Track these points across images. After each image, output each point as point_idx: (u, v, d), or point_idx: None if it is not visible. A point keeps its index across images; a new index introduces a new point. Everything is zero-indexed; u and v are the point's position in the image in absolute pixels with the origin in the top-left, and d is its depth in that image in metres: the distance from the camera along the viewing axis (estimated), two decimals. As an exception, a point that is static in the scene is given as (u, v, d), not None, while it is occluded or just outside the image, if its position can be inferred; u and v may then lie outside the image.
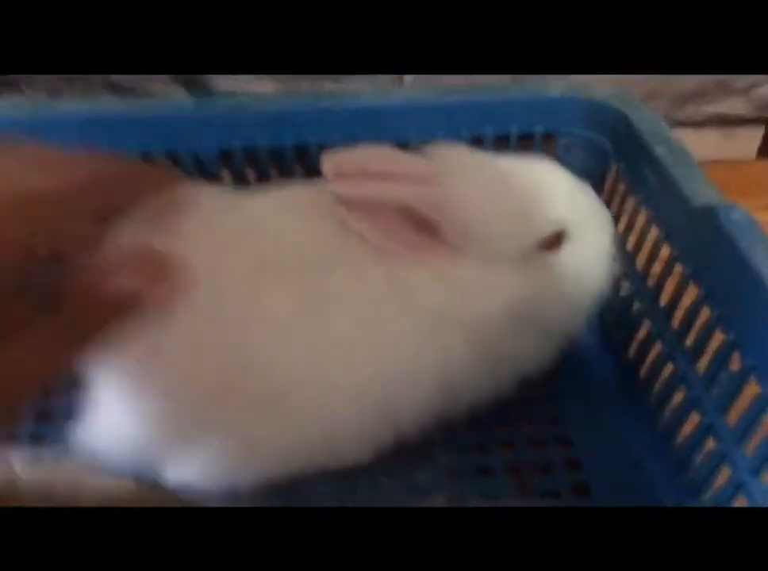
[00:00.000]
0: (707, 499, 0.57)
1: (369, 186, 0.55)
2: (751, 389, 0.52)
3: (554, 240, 0.59)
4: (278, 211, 0.57)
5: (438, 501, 0.60)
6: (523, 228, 0.58)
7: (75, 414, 0.56)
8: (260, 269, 0.53)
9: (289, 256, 0.55)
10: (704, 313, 0.57)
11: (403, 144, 0.62)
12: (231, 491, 0.56)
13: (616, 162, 0.71)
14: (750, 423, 0.52)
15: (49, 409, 0.66)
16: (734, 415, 0.54)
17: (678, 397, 0.60)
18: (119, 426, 0.54)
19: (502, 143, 0.73)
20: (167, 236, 0.54)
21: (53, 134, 0.66)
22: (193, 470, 0.55)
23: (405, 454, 0.61)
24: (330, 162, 0.56)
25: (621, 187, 0.70)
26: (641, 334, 0.66)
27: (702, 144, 0.96)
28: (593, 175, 0.71)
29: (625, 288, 0.69)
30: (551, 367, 0.63)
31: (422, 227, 0.56)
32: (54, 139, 0.63)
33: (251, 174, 0.74)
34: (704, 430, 0.57)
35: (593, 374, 0.69)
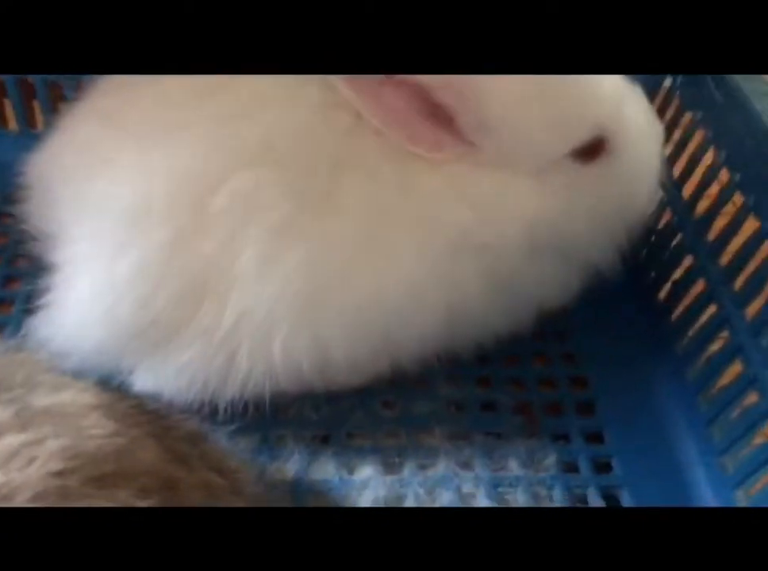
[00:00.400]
0: (731, 466, 0.51)
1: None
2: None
3: (592, 149, 0.50)
4: (286, 87, 0.48)
5: (437, 434, 0.54)
6: (555, 130, 0.48)
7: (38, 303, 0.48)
8: (260, 157, 0.45)
9: (293, 147, 0.46)
10: (763, 251, 0.50)
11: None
12: (202, 403, 0.49)
13: (673, 75, 0.61)
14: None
15: (9, 297, 0.58)
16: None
17: (717, 344, 0.53)
18: (87, 323, 0.46)
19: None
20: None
21: None
22: (162, 378, 0.47)
23: (405, 382, 0.54)
24: None
25: (675, 103, 0.61)
26: (679, 271, 0.59)
27: None
28: (646, 81, 0.61)
29: (663, 220, 0.61)
30: (573, 300, 0.56)
31: (434, 114, 0.46)
32: None
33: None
34: (746, 382, 0.50)
35: (619, 311, 0.61)
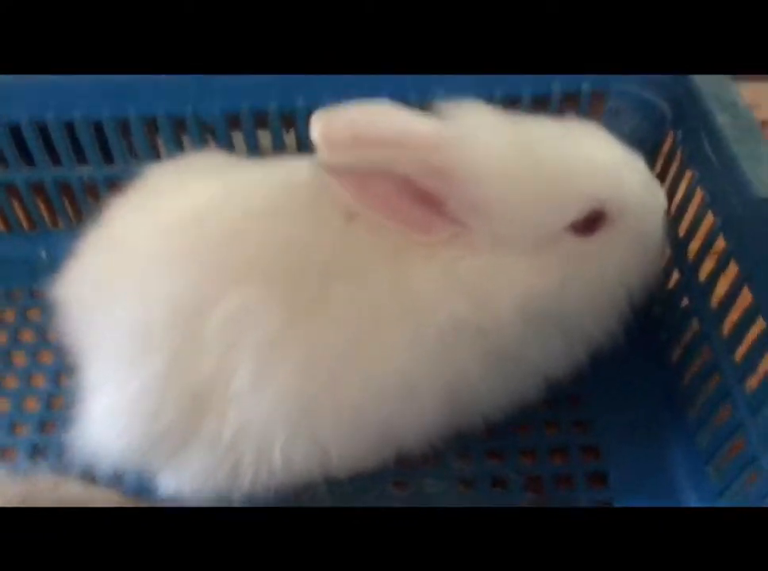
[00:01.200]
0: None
1: (361, 152, 0.47)
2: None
3: (590, 222, 0.50)
4: (266, 205, 0.51)
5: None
6: (550, 206, 0.49)
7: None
8: (246, 277, 0.48)
9: (280, 262, 0.49)
10: (759, 325, 0.48)
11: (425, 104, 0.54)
12: (221, 500, 0.52)
13: (674, 129, 0.60)
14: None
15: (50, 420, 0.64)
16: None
17: (722, 415, 0.53)
18: (108, 439, 0.51)
19: (541, 105, 0.64)
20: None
21: (61, 99, 0.65)
22: (179, 482, 0.52)
23: (414, 460, 0.56)
24: (318, 124, 0.48)
25: (677, 159, 0.60)
26: (687, 336, 0.58)
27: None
28: (646, 144, 0.61)
29: (673, 279, 0.60)
30: (580, 369, 0.56)
31: (424, 199, 0.48)
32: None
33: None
34: (749, 460, 0.49)
35: (629, 377, 0.61)
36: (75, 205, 0.73)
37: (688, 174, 0.58)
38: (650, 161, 0.59)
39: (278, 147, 0.68)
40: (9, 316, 0.71)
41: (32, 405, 0.64)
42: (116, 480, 0.54)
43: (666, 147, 0.62)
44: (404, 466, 0.56)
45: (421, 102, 0.56)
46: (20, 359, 0.68)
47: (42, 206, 0.74)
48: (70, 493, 0.47)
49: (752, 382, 0.49)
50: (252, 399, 0.48)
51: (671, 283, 0.61)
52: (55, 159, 0.69)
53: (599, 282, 0.52)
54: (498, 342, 0.50)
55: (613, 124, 0.61)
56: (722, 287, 0.53)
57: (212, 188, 0.52)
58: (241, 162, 0.58)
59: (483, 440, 0.58)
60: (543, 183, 0.49)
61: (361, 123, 0.49)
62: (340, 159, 0.47)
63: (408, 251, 0.49)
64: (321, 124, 0.48)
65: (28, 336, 0.69)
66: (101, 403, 0.50)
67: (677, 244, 0.58)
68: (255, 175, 0.54)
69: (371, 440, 0.51)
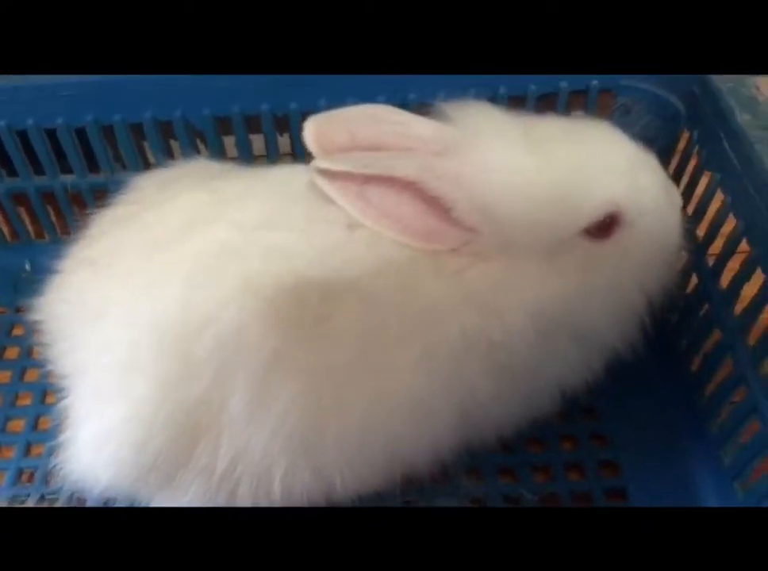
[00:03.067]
0: None
1: (359, 157, 0.44)
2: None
3: (605, 226, 0.47)
4: (261, 217, 0.47)
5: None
6: (563, 210, 0.46)
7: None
8: (242, 295, 0.44)
9: (278, 279, 0.45)
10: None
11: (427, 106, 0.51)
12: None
13: (689, 128, 0.58)
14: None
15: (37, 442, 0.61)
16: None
17: (750, 429, 0.50)
18: (96, 466, 0.47)
19: (548, 102, 0.61)
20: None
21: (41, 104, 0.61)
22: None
23: (425, 479, 0.53)
24: (312, 128, 0.46)
25: (694, 159, 0.57)
26: (708, 345, 0.55)
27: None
28: (659, 143, 0.58)
29: (692, 285, 0.58)
30: (596, 380, 0.53)
31: (428, 206, 0.45)
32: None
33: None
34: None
35: (648, 388, 0.58)
36: (60, 215, 0.69)
37: (706, 175, 0.55)
38: (664, 160, 0.56)
39: (272, 153, 0.65)
40: (-8, 331, 0.68)
41: (18, 426, 0.61)
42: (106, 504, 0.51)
43: (681, 146, 0.59)
44: (412, 486, 0.53)
45: (422, 104, 0.53)
46: (4, 377, 0.64)
47: (26, 217, 0.71)
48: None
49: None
50: (248, 426, 0.44)
51: (690, 288, 0.58)
52: (38, 169, 0.66)
53: (615, 288, 0.49)
54: (511, 355, 0.47)
55: (624, 121, 0.59)
56: (746, 293, 0.51)
57: (202, 199, 0.49)
58: (233, 171, 0.55)
59: (495, 456, 0.55)
60: (555, 186, 0.46)
61: (359, 125, 0.46)
62: (337, 165, 0.45)
63: (414, 262, 0.46)
64: (315, 128, 0.46)
65: (12, 353, 0.66)
66: (87, 430, 0.47)
67: (696, 248, 0.56)
68: (248, 185, 0.51)
69: (378, 462, 0.48)
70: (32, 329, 0.54)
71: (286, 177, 0.51)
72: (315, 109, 0.57)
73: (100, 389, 0.46)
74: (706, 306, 0.55)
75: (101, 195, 0.60)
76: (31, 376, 0.64)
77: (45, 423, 0.61)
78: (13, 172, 0.66)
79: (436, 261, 0.47)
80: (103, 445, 0.46)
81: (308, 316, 0.45)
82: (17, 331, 0.67)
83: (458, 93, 0.52)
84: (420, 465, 0.51)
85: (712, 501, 0.52)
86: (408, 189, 0.45)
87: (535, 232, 0.46)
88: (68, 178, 0.66)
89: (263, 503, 0.46)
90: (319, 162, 0.44)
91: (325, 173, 0.44)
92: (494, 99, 0.58)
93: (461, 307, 0.46)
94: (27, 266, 0.70)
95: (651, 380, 0.58)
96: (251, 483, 0.46)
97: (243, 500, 0.46)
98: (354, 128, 0.45)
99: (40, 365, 0.61)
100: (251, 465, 0.45)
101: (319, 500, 0.48)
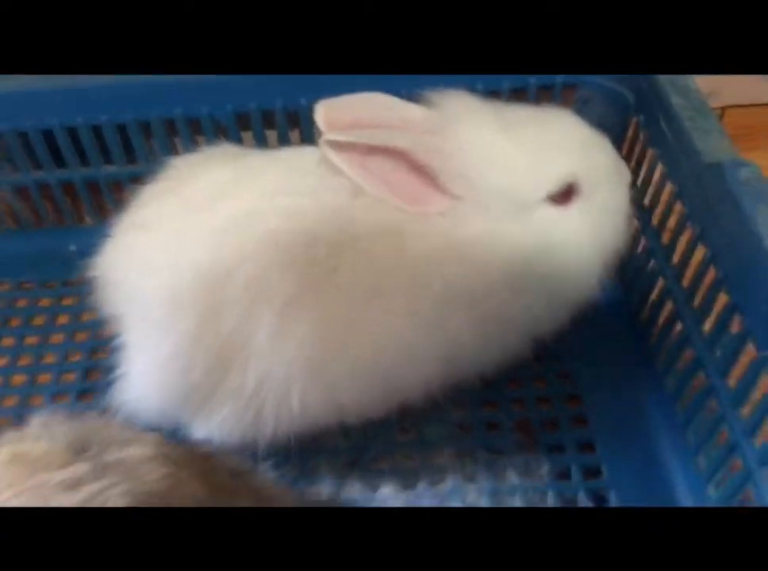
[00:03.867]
0: (704, 462, 0.58)
1: (361, 133, 0.54)
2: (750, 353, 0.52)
3: (565, 194, 0.57)
4: (279, 185, 0.58)
5: (446, 454, 0.63)
6: (529, 178, 0.56)
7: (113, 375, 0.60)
8: (265, 249, 0.54)
9: (295, 238, 0.55)
10: (711, 274, 0.56)
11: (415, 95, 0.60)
12: (247, 445, 0.59)
13: (636, 114, 0.69)
14: (746, 386, 0.52)
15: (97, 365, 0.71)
16: (733, 379, 0.54)
17: (686, 357, 0.60)
18: (146, 394, 0.58)
19: (519, 96, 0.72)
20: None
21: (88, 104, 0.73)
22: (210, 429, 0.59)
23: (418, 409, 0.63)
24: (321, 111, 0.56)
25: (640, 141, 0.68)
26: (654, 293, 0.66)
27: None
28: (613, 128, 0.69)
29: (642, 244, 0.68)
30: (564, 326, 0.63)
31: (419, 174, 0.55)
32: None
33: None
34: (707, 392, 0.56)
35: (607, 333, 0.69)
36: (102, 202, 0.80)
37: (650, 153, 0.66)
38: (617, 144, 0.67)
39: (284, 144, 0.76)
40: (45, 302, 0.78)
41: (71, 378, 0.71)
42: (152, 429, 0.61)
43: (630, 132, 0.70)
44: (408, 415, 0.63)
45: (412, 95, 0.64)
46: (57, 338, 0.75)
47: (71, 203, 0.82)
48: (116, 432, 0.54)
49: (708, 325, 0.57)
50: (271, 353, 0.54)
51: (640, 248, 0.68)
52: (84, 160, 0.77)
53: (575, 248, 0.58)
54: (488, 307, 0.56)
55: (584, 111, 0.69)
56: (682, 246, 0.61)
57: (228, 175, 0.60)
58: (253, 152, 0.65)
59: (479, 392, 0.65)
60: (522, 157, 0.56)
61: (361, 108, 0.57)
62: (343, 137, 0.54)
63: (407, 223, 0.56)
64: (324, 110, 0.56)
65: (63, 319, 0.77)
66: (139, 362, 0.57)
67: (643, 214, 0.66)
68: (266, 161, 0.61)
69: (378, 392, 0.58)
70: (81, 298, 0.65)
71: (298, 154, 0.61)
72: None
73: (149, 328, 0.57)
74: (652, 261, 0.66)
75: (137, 183, 0.71)
76: (80, 337, 0.75)
77: (95, 375, 0.71)
78: (62, 164, 0.78)
79: (426, 222, 0.57)
80: (153, 374, 0.57)
81: (318, 267, 0.54)
82: (67, 302, 0.78)
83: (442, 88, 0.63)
84: (413, 398, 0.60)
85: (659, 423, 0.62)
86: (402, 160, 0.55)
87: (507, 197, 0.56)
88: (110, 169, 0.78)
89: (284, 419, 0.56)
90: (328, 135, 0.55)
91: (333, 144, 0.55)
92: (472, 93, 0.68)
93: (446, 263, 0.55)
94: (72, 248, 0.81)
95: (610, 329, 0.69)
96: (275, 402, 0.56)
97: (268, 417, 0.56)
98: (356, 111, 0.56)
99: (89, 326, 0.74)
100: (273, 387, 0.55)
101: (330, 419, 0.58)
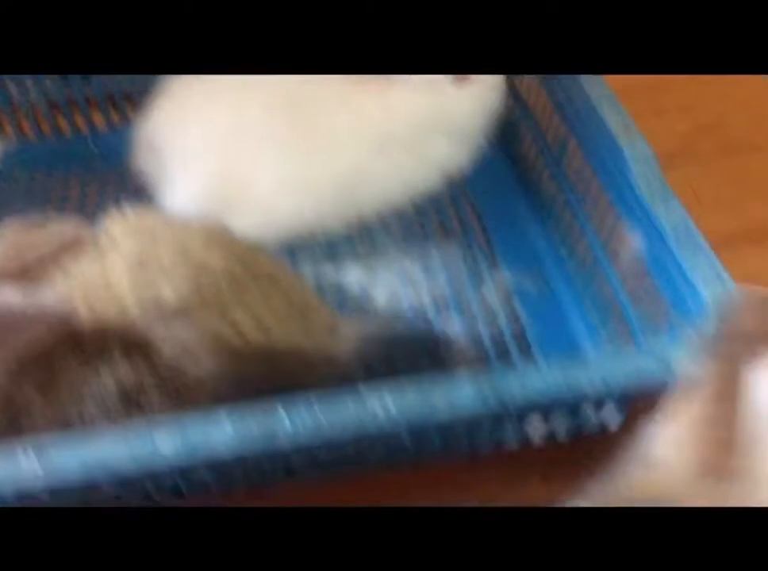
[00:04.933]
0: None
1: None
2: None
3: (462, 78, 0.85)
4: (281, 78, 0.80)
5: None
6: None
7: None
8: (265, 106, 0.84)
9: (286, 98, 0.84)
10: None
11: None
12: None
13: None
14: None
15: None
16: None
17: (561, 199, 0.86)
18: (192, 186, 0.83)
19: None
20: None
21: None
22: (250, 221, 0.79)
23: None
24: None
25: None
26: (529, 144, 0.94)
27: None
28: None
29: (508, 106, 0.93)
30: (467, 170, 0.91)
31: None
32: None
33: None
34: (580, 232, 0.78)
35: (500, 176, 0.97)
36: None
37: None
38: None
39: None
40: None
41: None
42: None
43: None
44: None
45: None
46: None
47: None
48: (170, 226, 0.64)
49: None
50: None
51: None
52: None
53: (471, 107, 0.88)
54: (413, 143, 0.86)
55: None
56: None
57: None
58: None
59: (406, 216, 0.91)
60: None
61: None
62: None
63: (359, 94, 0.84)
64: None
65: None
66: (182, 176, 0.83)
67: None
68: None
69: (340, 202, 0.87)
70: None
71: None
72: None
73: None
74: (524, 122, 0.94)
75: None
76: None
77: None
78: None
79: (373, 94, 0.84)
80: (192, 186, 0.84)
81: (302, 119, 0.83)
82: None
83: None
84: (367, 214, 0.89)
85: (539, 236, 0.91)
86: None
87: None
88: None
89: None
90: None
91: None
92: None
93: (373, 113, 0.84)
94: (95, 149, 1.02)
95: (501, 171, 0.97)
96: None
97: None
98: None
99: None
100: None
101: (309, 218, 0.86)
